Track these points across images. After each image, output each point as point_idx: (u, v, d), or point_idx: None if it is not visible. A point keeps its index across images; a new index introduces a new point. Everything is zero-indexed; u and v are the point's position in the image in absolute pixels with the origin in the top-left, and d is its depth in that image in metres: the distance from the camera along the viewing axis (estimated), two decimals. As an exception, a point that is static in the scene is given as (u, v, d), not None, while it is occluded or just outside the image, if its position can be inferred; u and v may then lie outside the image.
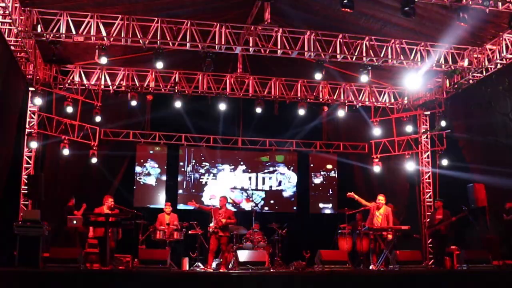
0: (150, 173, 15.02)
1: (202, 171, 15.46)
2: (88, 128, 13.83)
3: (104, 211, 11.11)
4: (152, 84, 14.04)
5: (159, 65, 11.50)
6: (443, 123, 13.89)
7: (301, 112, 14.55)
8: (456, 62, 12.52)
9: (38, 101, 12.53)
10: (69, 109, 13.20)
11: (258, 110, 14.35)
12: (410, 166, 15.05)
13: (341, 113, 14.93)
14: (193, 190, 15.28)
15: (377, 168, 15.27)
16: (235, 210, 13.22)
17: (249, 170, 15.81)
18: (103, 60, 11.28)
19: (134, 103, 13.85)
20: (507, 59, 11.94)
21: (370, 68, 12.34)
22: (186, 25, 11.37)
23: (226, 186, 15.52)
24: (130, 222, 10.81)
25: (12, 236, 9.40)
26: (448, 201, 12.69)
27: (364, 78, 12.42)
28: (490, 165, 13.05)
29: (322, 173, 16.06)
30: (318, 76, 12.18)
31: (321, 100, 14.89)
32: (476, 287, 9.20)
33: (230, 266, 11.41)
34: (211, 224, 11.44)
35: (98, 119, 13.70)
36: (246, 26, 11.62)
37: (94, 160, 13.85)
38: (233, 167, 15.73)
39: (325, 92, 14.82)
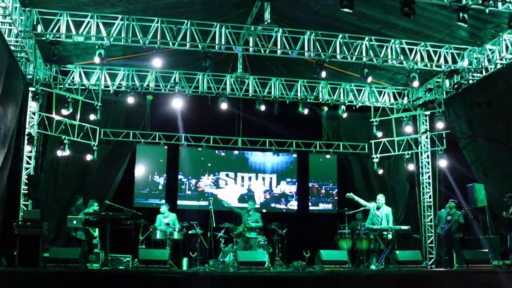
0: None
1: (204, 171, 15.46)
2: (88, 128, 13.83)
3: None
4: (152, 84, 14.05)
5: (157, 62, 11.50)
6: (440, 125, 13.92)
7: (301, 112, 14.55)
8: (456, 62, 12.52)
9: (38, 101, 12.53)
10: (69, 109, 13.21)
11: (259, 110, 14.37)
12: (410, 166, 15.06)
13: (341, 113, 14.95)
14: (194, 191, 15.27)
15: (377, 168, 15.26)
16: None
17: (249, 171, 15.82)
18: (97, 60, 11.23)
19: (134, 102, 13.87)
20: (507, 59, 11.94)
21: (370, 68, 12.33)
22: (186, 25, 11.38)
23: (229, 186, 15.55)
24: (129, 222, 10.79)
25: (12, 236, 9.40)
26: (447, 201, 12.67)
27: (366, 79, 12.37)
28: (490, 165, 13.07)
29: (322, 173, 16.04)
30: (323, 74, 12.13)
31: (321, 100, 14.89)
32: (476, 287, 9.20)
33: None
34: (239, 227, 11.75)
35: (96, 118, 13.69)
36: (246, 26, 11.62)
37: (94, 160, 13.85)
38: (234, 167, 15.74)
39: (325, 92, 14.82)
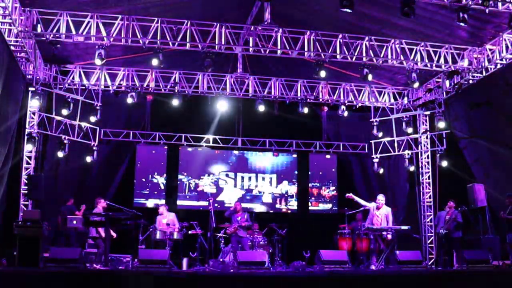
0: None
1: (204, 171, 15.45)
2: (88, 128, 13.83)
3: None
4: (152, 84, 14.04)
5: (154, 61, 11.52)
6: (440, 125, 13.92)
7: (301, 112, 14.56)
8: (456, 62, 12.52)
9: (38, 101, 12.53)
10: (69, 109, 13.21)
11: (259, 110, 14.37)
12: (410, 166, 15.06)
13: (341, 113, 14.95)
14: (194, 191, 15.27)
15: (377, 168, 15.25)
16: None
17: (249, 171, 15.82)
18: (98, 61, 11.24)
19: (134, 102, 13.86)
20: (507, 59, 11.94)
21: (370, 68, 12.33)
22: (186, 25, 11.38)
23: (229, 187, 15.55)
24: (129, 222, 10.79)
25: (12, 236, 9.40)
26: (447, 201, 12.66)
27: (365, 78, 12.37)
28: (490, 165, 13.07)
29: (322, 173, 16.04)
30: (322, 74, 12.12)
31: (321, 100, 14.89)
32: (476, 287, 9.19)
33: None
34: (232, 228, 11.88)
35: (96, 118, 13.68)
36: (246, 26, 11.62)
37: (93, 160, 13.85)
38: (234, 167, 15.74)
39: (325, 92, 14.82)
